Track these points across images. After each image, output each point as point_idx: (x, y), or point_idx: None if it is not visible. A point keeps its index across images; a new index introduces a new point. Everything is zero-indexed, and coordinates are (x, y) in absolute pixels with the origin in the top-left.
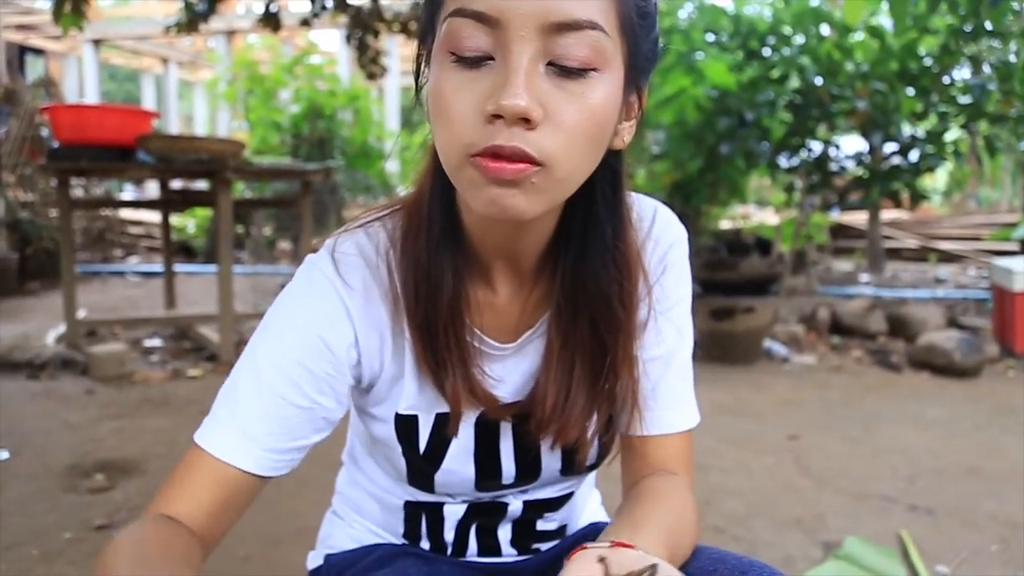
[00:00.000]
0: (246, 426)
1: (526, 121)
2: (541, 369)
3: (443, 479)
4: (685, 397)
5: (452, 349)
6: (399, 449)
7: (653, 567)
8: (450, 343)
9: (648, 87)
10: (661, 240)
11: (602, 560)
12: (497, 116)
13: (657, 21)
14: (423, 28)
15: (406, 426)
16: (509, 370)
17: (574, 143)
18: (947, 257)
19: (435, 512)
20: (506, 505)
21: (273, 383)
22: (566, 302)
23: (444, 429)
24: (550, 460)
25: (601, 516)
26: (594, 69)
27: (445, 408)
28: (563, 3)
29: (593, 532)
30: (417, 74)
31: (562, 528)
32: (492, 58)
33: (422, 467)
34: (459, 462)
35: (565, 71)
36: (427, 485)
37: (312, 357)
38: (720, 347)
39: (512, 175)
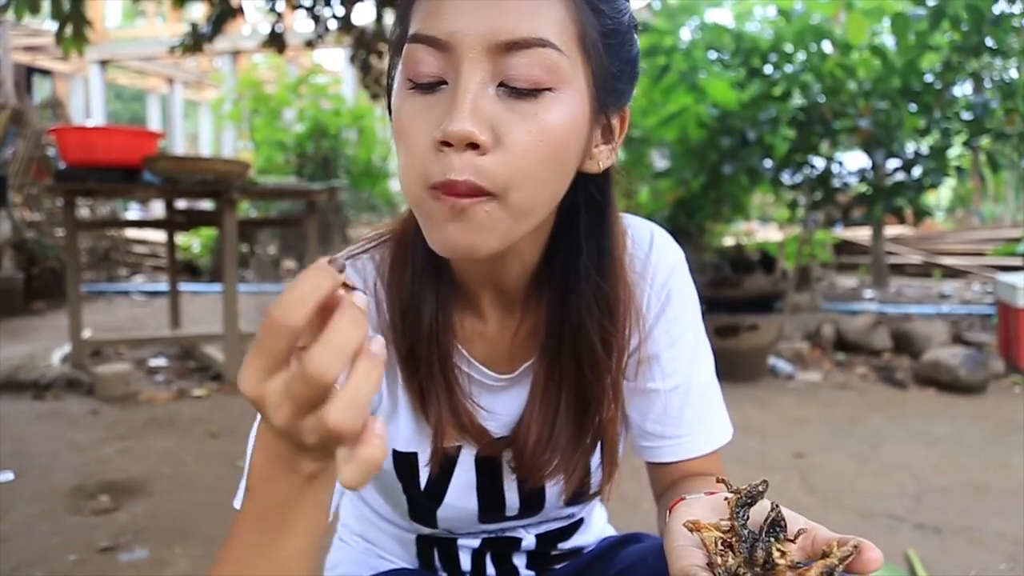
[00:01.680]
0: None
1: (474, 146)
2: (526, 404)
3: (445, 514)
4: (711, 417)
5: (436, 378)
6: (399, 486)
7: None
8: (433, 372)
9: (647, 107)
10: (660, 266)
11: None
12: (446, 143)
13: (631, 39)
14: (391, 56)
15: (405, 463)
16: (503, 403)
17: (529, 167)
18: (951, 273)
19: (449, 546)
20: (519, 540)
21: None
22: (549, 337)
23: (445, 465)
24: (553, 491)
25: (609, 532)
26: (548, 89)
27: (444, 444)
28: (511, 23)
29: (608, 547)
30: (389, 101)
31: (577, 550)
32: (446, 83)
33: (423, 503)
34: (462, 498)
35: (516, 92)
36: (430, 521)
37: None
38: (724, 365)
39: (465, 208)
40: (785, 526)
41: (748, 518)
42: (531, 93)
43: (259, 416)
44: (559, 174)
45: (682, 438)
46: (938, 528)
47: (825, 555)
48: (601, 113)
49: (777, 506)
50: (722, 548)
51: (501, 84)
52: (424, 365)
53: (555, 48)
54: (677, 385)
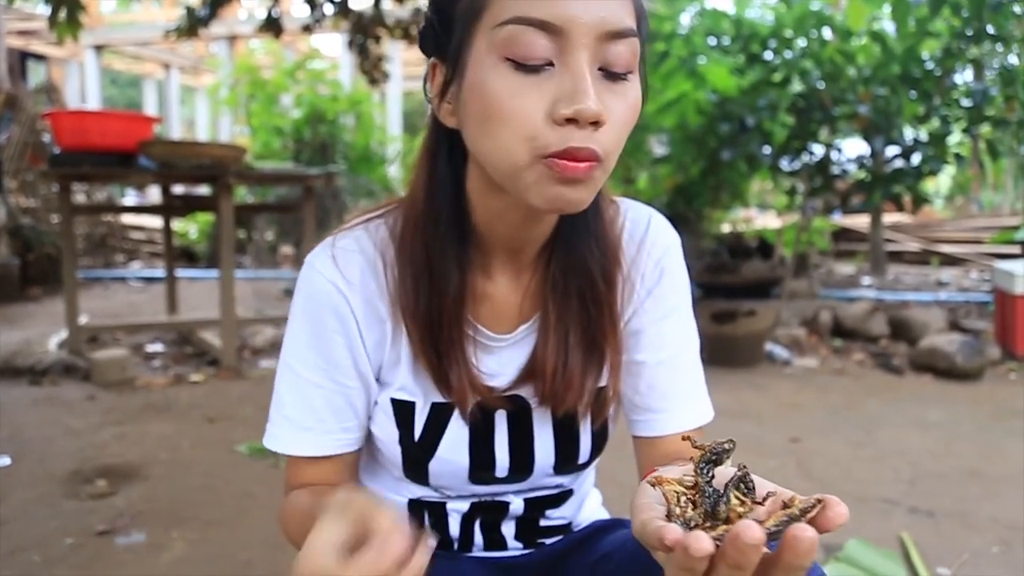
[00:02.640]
0: (299, 421)
1: (595, 124)
2: (539, 342)
3: (437, 468)
4: (696, 395)
5: (455, 342)
6: (396, 435)
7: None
8: (453, 336)
9: (648, 89)
10: (656, 245)
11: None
12: (571, 120)
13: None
14: (456, 39)
15: (403, 412)
16: (503, 363)
17: (622, 138)
18: (949, 260)
19: (438, 510)
20: (507, 504)
21: (312, 379)
22: (557, 280)
23: (440, 417)
24: (543, 455)
25: (603, 515)
26: (631, 72)
27: (439, 397)
28: (614, 13)
29: (595, 530)
30: (448, 82)
31: (566, 525)
32: (551, 64)
33: (417, 455)
34: (454, 451)
35: (613, 75)
36: (421, 475)
37: (328, 348)
38: (722, 350)
39: (584, 174)
40: (753, 487)
41: (713, 476)
42: (623, 76)
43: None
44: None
45: (667, 412)
46: (932, 512)
47: (786, 507)
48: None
49: (745, 467)
50: (684, 503)
51: (600, 68)
52: (445, 329)
53: (637, 36)
54: (664, 359)
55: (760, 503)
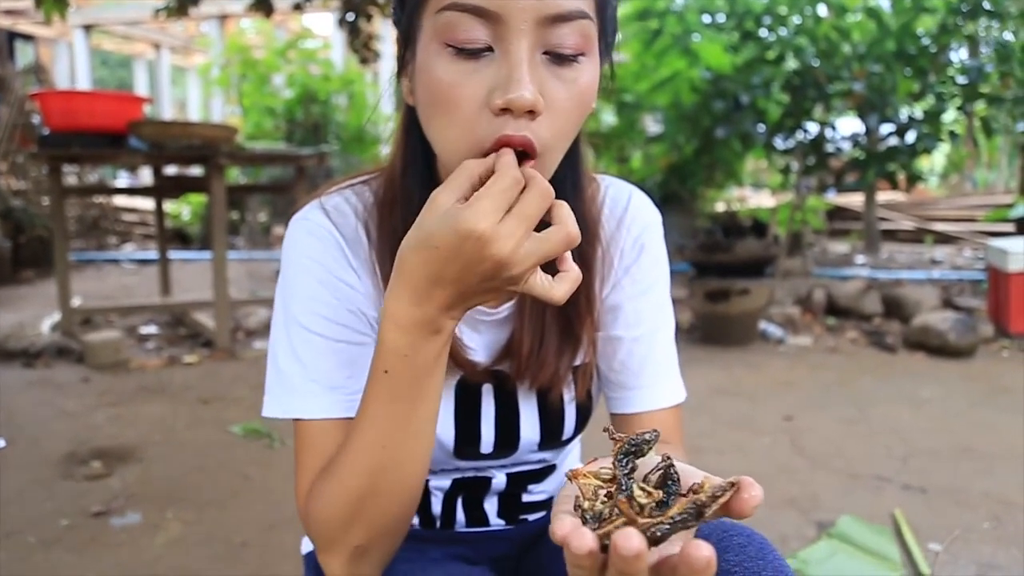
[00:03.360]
0: (327, 380)
1: (531, 112)
2: (515, 320)
3: None
4: (671, 374)
5: None
6: None
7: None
8: None
9: (639, 71)
10: (636, 222)
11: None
12: (505, 110)
13: None
14: (406, 19)
15: None
16: (487, 339)
17: (566, 128)
18: (943, 238)
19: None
20: (490, 479)
21: (325, 332)
22: None
23: None
24: (528, 430)
25: None
26: (582, 54)
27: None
28: None
29: None
30: (401, 62)
31: (548, 500)
32: (491, 49)
33: None
34: (439, 423)
35: (559, 58)
36: None
37: (342, 297)
38: (716, 329)
39: None
40: (677, 479)
41: (634, 468)
42: (572, 59)
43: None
44: (578, 130)
45: (642, 389)
46: (924, 489)
47: (695, 492)
48: (604, 64)
49: (669, 458)
50: (604, 497)
51: (545, 52)
52: None
53: (589, 18)
54: (640, 336)
55: (684, 495)
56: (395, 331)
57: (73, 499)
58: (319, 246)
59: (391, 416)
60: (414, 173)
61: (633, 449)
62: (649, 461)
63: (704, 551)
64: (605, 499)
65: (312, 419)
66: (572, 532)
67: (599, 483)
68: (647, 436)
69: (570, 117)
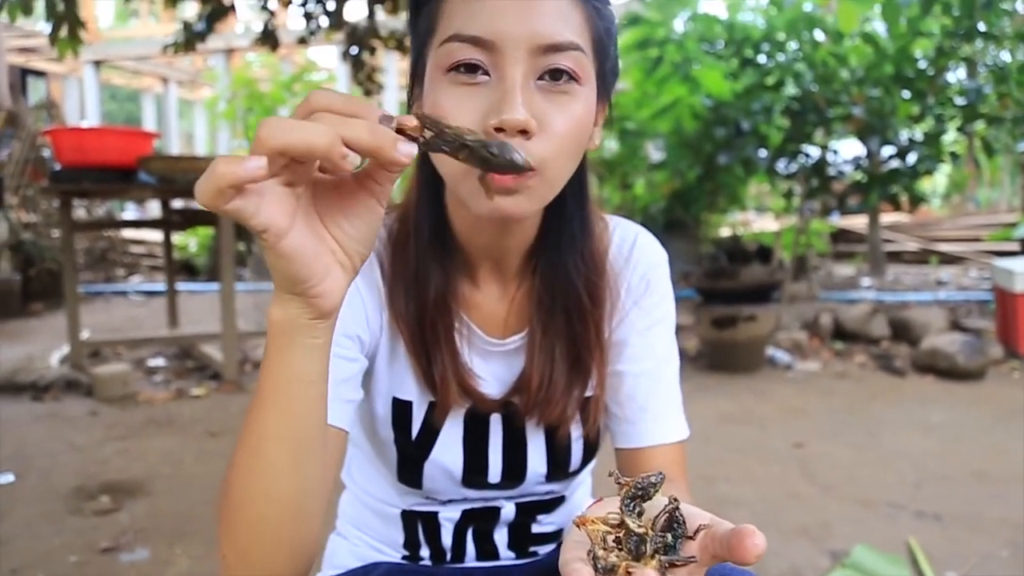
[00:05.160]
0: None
1: (524, 132)
2: (526, 356)
3: (431, 471)
4: (674, 411)
5: (440, 341)
6: (392, 436)
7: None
8: (439, 334)
9: (640, 99)
10: (643, 259)
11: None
12: (499, 129)
13: (617, 39)
14: (413, 55)
15: (401, 412)
16: (495, 368)
17: (562, 147)
18: (948, 259)
19: (431, 520)
20: (499, 509)
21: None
22: (544, 294)
23: (435, 417)
24: (535, 462)
25: None
26: (576, 82)
27: (434, 396)
28: (549, 27)
29: None
30: (410, 98)
31: (558, 531)
32: (488, 74)
33: (412, 455)
34: (448, 452)
35: (553, 84)
36: (415, 479)
37: (344, 320)
38: (723, 356)
39: (514, 183)
40: (683, 522)
41: (642, 512)
42: (565, 86)
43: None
44: (579, 152)
45: (645, 424)
46: (939, 516)
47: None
48: (601, 100)
49: (675, 500)
50: (612, 543)
51: (540, 78)
52: (430, 328)
53: (581, 50)
54: (645, 370)
55: (691, 537)
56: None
57: (82, 534)
58: None
59: (251, 410)
60: (427, 206)
61: (640, 492)
62: (656, 503)
63: (758, 538)
64: (614, 545)
65: None
66: None
67: (607, 529)
68: (653, 479)
69: (565, 140)
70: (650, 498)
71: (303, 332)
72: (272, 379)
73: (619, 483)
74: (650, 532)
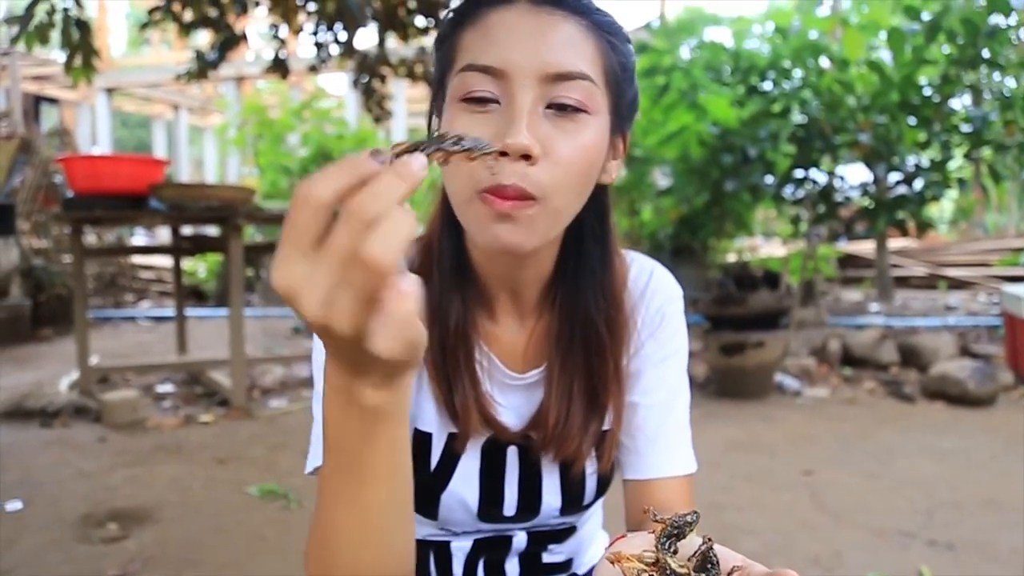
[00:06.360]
0: None
1: (527, 157)
2: (544, 392)
3: (448, 502)
4: (684, 444)
5: (462, 371)
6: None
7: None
8: (460, 364)
9: (647, 126)
10: (658, 294)
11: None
12: (503, 153)
13: (635, 74)
14: (434, 86)
15: (421, 442)
16: (516, 402)
17: (568, 176)
18: (956, 284)
19: (442, 550)
20: (510, 538)
21: None
22: (563, 329)
23: (455, 448)
24: (550, 496)
25: None
26: (585, 112)
27: (454, 428)
28: (558, 57)
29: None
30: (429, 124)
31: (568, 561)
32: (499, 103)
33: (430, 485)
34: (465, 484)
35: (561, 112)
36: (432, 510)
37: None
38: (731, 383)
39: (510, 209)
40: (717, 562)
41: (676, 551)
42: (573, 114)
43: (323, 358)
44: (587, 184)
45: (656, 456)
46: (951, 544)
47: None
48: (615, 134)
49: (709, 540)
50: None
51: (548, 106)
52: (451, 358)
53: (591, 81)
54: (656, 403)
55: None
56: (327, 396)
57: (90, 562)
58: None
59: (337, 491)
60: (447, 238)
61: (675, 532)
62: (690, 543)
63: None
64: None
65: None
66: None
67: (643, 567)
68: (688, 518)
69: (570, 169)
70: (685, 537)
71: (406, 406)
72: (381, 458)
73: (655, 520)
74: (692, 573)
